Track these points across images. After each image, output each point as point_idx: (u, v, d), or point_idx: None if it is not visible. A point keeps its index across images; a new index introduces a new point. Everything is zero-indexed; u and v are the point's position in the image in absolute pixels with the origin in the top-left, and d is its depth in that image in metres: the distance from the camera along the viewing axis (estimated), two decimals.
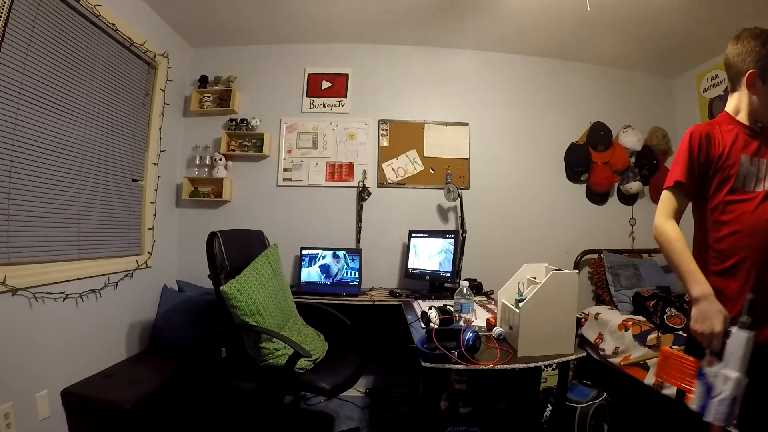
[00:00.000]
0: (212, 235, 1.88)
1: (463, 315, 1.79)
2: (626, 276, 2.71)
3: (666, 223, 1.16)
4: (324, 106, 3.05)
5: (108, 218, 2.24)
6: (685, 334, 2.09)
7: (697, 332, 1.05)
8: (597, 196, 3.12)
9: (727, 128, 1.18)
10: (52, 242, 1.88)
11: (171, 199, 2.91)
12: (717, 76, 2.86)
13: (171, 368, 2.17)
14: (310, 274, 2.80)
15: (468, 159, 3.04)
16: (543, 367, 2.14)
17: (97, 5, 2.01)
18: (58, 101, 1.88)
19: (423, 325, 1.70)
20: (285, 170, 3.00)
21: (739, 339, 0.97)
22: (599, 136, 3.08)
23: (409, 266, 2.83)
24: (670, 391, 1.92)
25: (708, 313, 1.03)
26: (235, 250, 2.00)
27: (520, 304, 1.49)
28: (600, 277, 2.87)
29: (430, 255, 2.74)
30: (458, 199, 2.82)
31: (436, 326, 1.52)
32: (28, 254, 1.75)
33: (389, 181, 3.01)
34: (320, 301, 2.39)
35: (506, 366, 1.38)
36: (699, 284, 1.07)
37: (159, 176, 2.67)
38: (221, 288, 1.77)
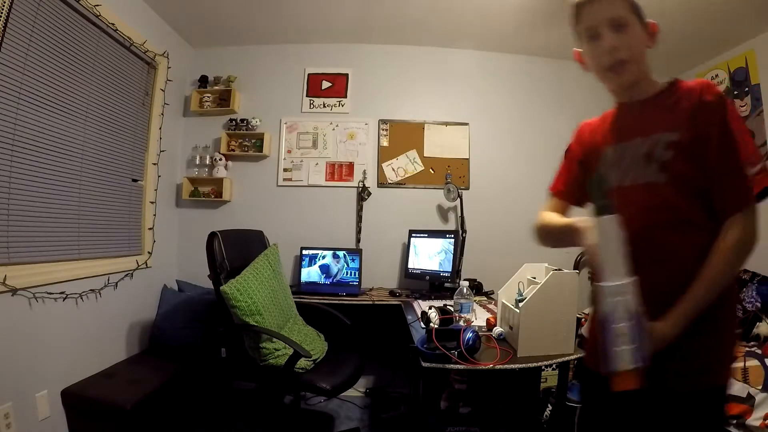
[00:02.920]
0: (212, 235, 1.88)
1: (463, 315, 1.79)
2: None
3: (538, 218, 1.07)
4: (324, 106, 3.05)
5: (108, 218, 2.24)
6: None
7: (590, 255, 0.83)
8: None
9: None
10: (52, 242, 1.88)
11: (171, 199, 2.91)
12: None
13: (171, 368, 2.17)
14: (310, 274, 2.80)
15: (468, 159, 3.04)
16: (543, 367, 2.14)
17: (97, 5, 2.01)
18: (58, 101, 1.88)
19: (423, 325, 1.70)
20: (285, 170, 3.00)
21: (602, 226, 0.75)
22: None
23: (409, 266, 2.83)
24: None
25: (579, 233, 0.85)
26: (235, 250, 2.00)
27: (520, 304, 1.49)
28: None
29: (430, 255, 2.74)
30: (458, 199, 2.82)
31: (436, 326, 1.53)
32: (28, 254, 1.75)
33: (389, 181, 3.01)
34: (320, 301, 2.38)
35: (506, 366, 1.38)
36: (573, 222, 0.90)
37: (159, 176, 2.67)
38: (221, 288, 1.77)
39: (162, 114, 2.66)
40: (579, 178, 1.03)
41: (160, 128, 2.65)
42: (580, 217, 0.88)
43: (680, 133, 0.82)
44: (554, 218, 1.01)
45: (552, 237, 1.04)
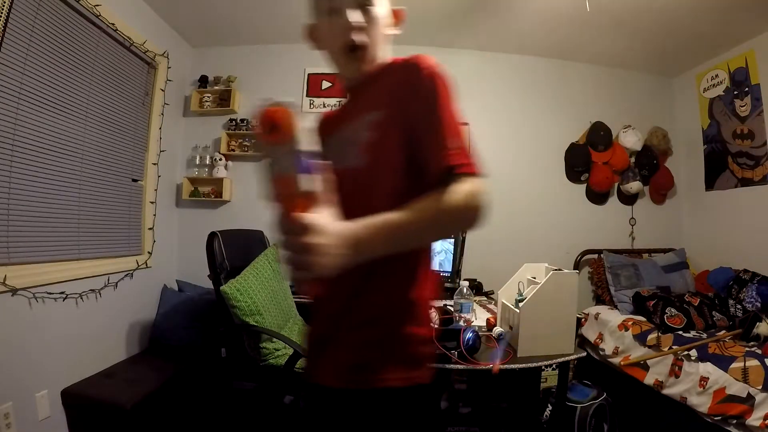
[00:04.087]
0: (212, 235, 1.88)
1: (463, 315, 1.79)
2: (626, 276, 2.71)
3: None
4: (324, 106, 3.05)
5: (108, 218, 2.24)
6: (686, 334, 2.09)
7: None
8: (597, 196, 3.12)
9: None
10: (52, 242, 1.88)
11: (171, 199, 2.91)
12: (717, 76, 2.86)
13: (171, 368, 2.17)
14: None
15: None
16: (543, 367, 2.14)
17: (97, 5, 2.01)
18: (58, 101, 1.88)
19: None
20: None
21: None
22: (599, 136, 3.08)
23: None
24: (671, 390, 1.93)
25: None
26: (235, 250, 2.00)
27: (520, 304, 1.49)
28: (600, 277, 2.87)
29: None
30: None
31: (436, 326, 1.52)
32: (28, 254, 1.75)
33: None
34: None
35: (506, 366, 1.38)
36: None
37: (159, 176, 2.67)
38: (221, 288, 1.77)
39: (162, 114, 2.66)
40: None
41: (160, 128, 2.65)
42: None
43: (384, 112, 0.76)
44: None
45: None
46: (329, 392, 0.75)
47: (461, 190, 0.69)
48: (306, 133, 0.63)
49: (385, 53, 0.84)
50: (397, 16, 0.87)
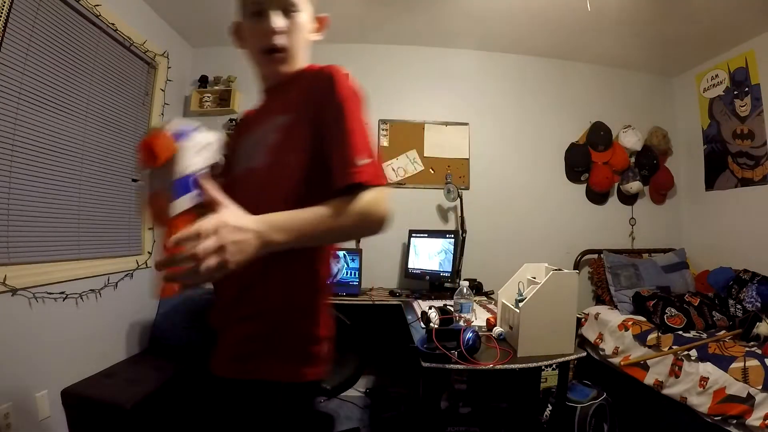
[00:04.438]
0: None
1: (463, 315, 1.79)
2: (626, 276, 2.71)
3: None
4: None
5: (108, 218, 2.24)
6: (686, 335, 2.09)
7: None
8: (597, 196, 3.12)
9: None
10: (52, 242, 1.87)
11: None
12: (717, 76, 2.86)
13: (171, 368, 2.17)
14: None
15: (468, 159, 3.04)
16: (543, 367, 2.14)
17: (97, 5, 2.01)
18: (58, 101, 1.88)
19: (423, 325, 1.70)
20: None
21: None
22: (599, 136, 3.08)
23: (409, 266, 2.83)
24: (671, 390, 1.93)
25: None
26: None
27: (520, 304, 1.49)
28: (600, 277, 2.87)
29: (430, 255, 2.74)
30: (458, 199, 2.82)
31: (436, 326, 1.52)
32: (28, 254, 1.75)
33: (389, 181, 3.01)
34: None
35: (506, 366, 1.38)
36: None
37: None
38: None
39: (162, 114, 2.66)
40: None
41: None
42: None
43: (292, 116, 0.78)
44: None
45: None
46: (219, 381, 0.78)
47: (365, 198, 0.71)
48: (192, 152, 0.67)
49: (304, 58, 0.87)
50: (320, 23, 0.90)
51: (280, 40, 0.80)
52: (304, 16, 0.84)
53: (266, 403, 0.75)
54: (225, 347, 0.78)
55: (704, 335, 2.07)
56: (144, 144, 0.64)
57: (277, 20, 0.79)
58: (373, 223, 0.72)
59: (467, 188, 3.00)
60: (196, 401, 0.79)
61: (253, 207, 0.66)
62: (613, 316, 2.52)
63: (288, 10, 0.81)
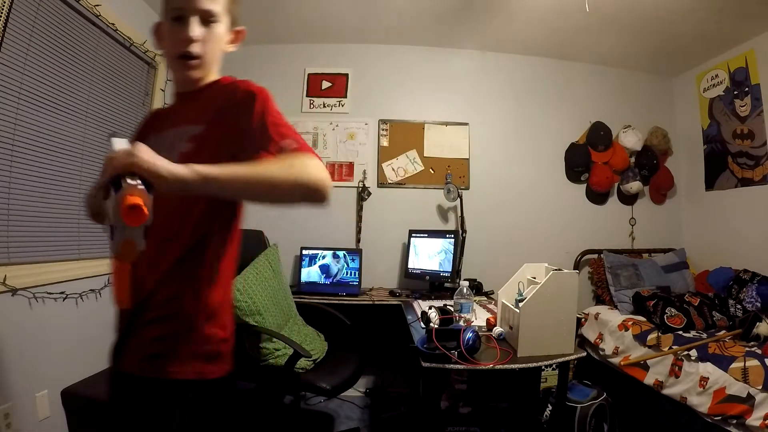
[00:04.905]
0: None
1: (463, 315, 1.79)
2: (626, 276, 2.71)
3: None
4: (324, 106, 3.05)
5: None
6: (686, 334, 2.09)
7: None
8: (597, 196, 3.12)
9: None
10: (52, 242, 1.87)
11: None
12: (717, 76, 2.86)
13: None
14: (310, 274, 2.79)
15: (468, 159, 3.04)
16: (543, 367, 2.14)
17: (97, 5, 2.01)
18: (58, 101, 1.87)
19: (423, 325, 1.70)
20: None
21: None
22: (599, 136, 3.08)
23: (409, 266, 2.83)
24: (671, 390, 1.93)
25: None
26: None
27: (520, 304, 1.49)
28: (600, 277, 2.87)
29: (430, 255, 2.74)
30: (458, 199, 2.82)
31: (436, 326, 1.52)
32: (28, 254, 1.75)
33: (389, 181, 3.01)
34: (320, 301, 2.38)
35: (506, 366, 1.38)
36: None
37: None
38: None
39: None
40: None
41: None
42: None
43: (204, 127, 0.81)
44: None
45: (91, 201, 0.93)
46: (130, 378, 0.80)
47: (302, 158, 0.74)
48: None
49: (217, 67, 0.91)
50: (237, 35, 0.94)
51: (195, 49, 0.83)
52: (222, 27, 0.87)
53: (174, 401, 0.79)
54: (134, 347, 0.81)
55: (704, 335, 2.07)
56: (135, 206, 0.61)
57: (196, 29, 0.82)
58: (310, 183, 0.73)
59: (467, 188, 3.00)
60: (107, 397, 0.84)
61: (160, 211, 0.67)
62: (613, 316, 2.52)
63: (207, 20, 0.84)
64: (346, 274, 2.79)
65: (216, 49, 0.88)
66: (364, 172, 2.99)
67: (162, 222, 0.70)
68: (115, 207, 0.61)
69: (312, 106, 3.05)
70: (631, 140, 3.06)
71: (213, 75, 0.91)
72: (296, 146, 0.76)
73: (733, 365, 1.71)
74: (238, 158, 0.73)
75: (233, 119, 0.80)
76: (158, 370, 0.78)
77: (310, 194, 0.74)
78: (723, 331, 2.07)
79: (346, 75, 3.06)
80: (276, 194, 0.74)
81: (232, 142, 0.79)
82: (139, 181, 0.64)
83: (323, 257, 2.81)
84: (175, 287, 0.80)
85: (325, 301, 2.39)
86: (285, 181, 0.72)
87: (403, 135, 3.04)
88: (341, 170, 3.00)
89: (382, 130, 3.04)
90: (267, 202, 0.76)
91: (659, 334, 2.14)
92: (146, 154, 0.64)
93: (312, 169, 0.74)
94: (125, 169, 0.63)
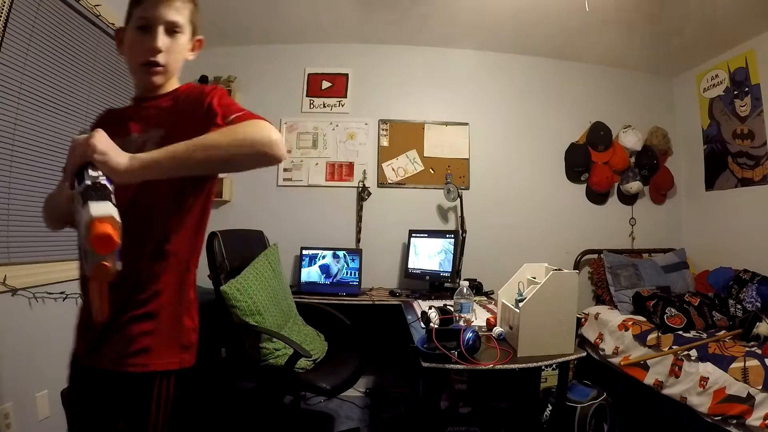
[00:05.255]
0: (212, 235, 1.88)
1: (463, 315, 1.79)
2: (626, 276, 2.71)
3: None
4: (324, 106, 3.05)
5: None
6: (686, 334, 2.09)
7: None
8: (597, 196, 3.12)
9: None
10: (52, 242, 1.87)
11: None
12: (717, 76, 2.86)
13: None
14: (310, 274, 2.79)
15: (468, 159, 3.04)
16: (543, 367, 2.14)
17: (97, 5, 2.01)
18: (58, 101, 1.87)
19: (423, 325, 1.70)
20: (285, 170, 3.00)
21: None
22: (599, 136, 3.08)
23: (409, 266, 2.83)
24: (671, 390, 1.93)
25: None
26: (235, 250, 2.00)
27: (520, 304, 1.49)
28: (600, 277, 2.87)
29: (430, 255, 2.74)
30: (458, 199, 2.82)
31: (436, 326, 1.52)
32: (28, 254, 1.75)
33: (389, 181, 3.01)
34: (320, 301, 2.39)
35: (506, 366, 1.38)
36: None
37: None
38: (221, 288, 1.77)
39: None
40: None
41: None
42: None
43: (168, 130, 0.85)
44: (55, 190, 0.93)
45: (52, 202, 0.93)
46: (107, 375, 0.83)
47: (249, 122, 0.79)
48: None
49: (178, 74, 0.96)
50: (198, 43, 1.01)
51: (161, 58, 0.88)
52: (185, 37, 0.93)
53: (160, 391, 0.85)
54: (115, 345, 0.83)
55: (704, 335, 2.07)
56: (104, 235, 0.60)
57: (161, 39, 0.87)
58: (253, 137, 0.77)
59: (467, 188, 3.00)
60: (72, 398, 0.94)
61: (131, 210, 0.74)
62: (613, 316, 2.52)
63: (172, 30, 0.89)
64: (346, 274, 2.79)
65: (179, 57, 0.93)
66: (364, 172, 2.99)
67: (136, 222, 0.76)
68: (85, 232, 0.60)
69: (312, 106, 3.05)
70: (631, 140, 3.06)
71: (174, 81, 0.96)
72: (241, 114, 0.81)
73: (733, 365, 1.71)
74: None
75: (191, 117, 0.84)
76: (145, 364, 0.82)
77: (258, 152, 0.77)
78: (723, 331, 2.07)
79: (346, 75, 3.06)
80: (223, 158, 0.77)
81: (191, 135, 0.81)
82: (100, 173, 0.66)
83: (323, 257, 2.81)
84: (156, 284, 0.85)
85: (325, 301, 2.39)
86: (230, 144, 0.76)
87: (403, 135, 3.04)
88: (341, 170, 3.00)
89: (382, 130, 3.04)
90: (218, 169, 0.85)
91: (659, 334, 2.14)
92: (102, 143, 0.68)
93: (257, 128, 0.77)
94: (85, 159, 0.67)
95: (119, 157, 0.70)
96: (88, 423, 0.88)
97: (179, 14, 0.89)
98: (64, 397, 1.02)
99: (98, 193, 0.64)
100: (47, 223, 0.97)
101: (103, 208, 0.62)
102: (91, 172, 0.66)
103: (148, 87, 0.92)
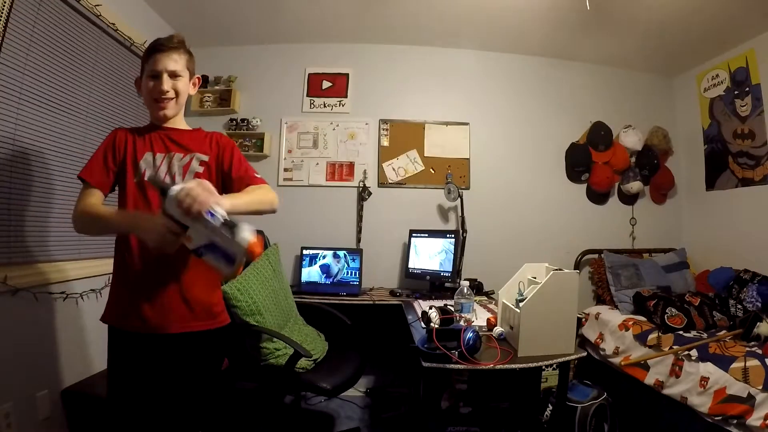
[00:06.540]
0: None
1: (463, 315, 1.79)
2: (627, 276, 2.71)
3: (80, 206, 1.18)
4: (324, 106, 3.05)
5: None
6: (686, 334, 2.09)
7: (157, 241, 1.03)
8: (597, 196, 3.12)
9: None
10: (52, 242, 1.87)
11: None
12: (717, 76, 2.86)
13: None
14: (311, 273, 2.79)
15: (468, 159, 3.04)
16: (543, 367, 2.14)
17: (98, 5, 2.01)
18: (59, 101, 1.88)
19: (423, 325, 1.70)
20: (285, 170, 3.00)
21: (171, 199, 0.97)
22: (600, 135, 3.08)
23: (409, 266, 2.83)
24: (671, 390, 1.93)
25: (150, 221, 1.05)
26: None
27: (521, 304, 1.49)
28: (600, 277, 2.87)
29: (430, 255, 2.74)
30: (459, 199, 2.82)
31: (436, 326, 1.52)
32: (28, 254, 1.75)
33: (390, 181, 3.01)
34: (321, 301, 2.38)
35: (507, 366, 1.38)
36: (128, 217, 1.16)
37: None
38: (221, 288, 1.77)
39: None
40: (113, 173, 1.26)
41: None
42: (131, 212, 1.18)
43: (210, 157, 1.28)
44: (102, 209, 1.17)
45: (99, 225, 1.21)
46: (175, 338, 1.18)
47: (264, 187, 1.28)
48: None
49: (183, 106, 1.32)
50: (197, 80, 1.35)
51: (168, 95, 1.24)
52: (185, 79, 1.27)
53: (221, 341, 1.32)
54: (186, 309, 1.20)
55: (705, 335, 2.07)
56: (258, 251, 1.01)
57: (167, 84, 1.23)
58: (271, 200, 1.25)
59: (468, 188, 3.00)
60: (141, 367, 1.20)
61: None
62: (613, 316, 2.52)
63: (174, 76, 1.24)
64: (347, 273, 2.79)
65: (182, 96, 1.28)
66: (365, 172, 2.99)
67: None
68: (244, 250, 0.96)
69: (312, 106, 3.05)
70: (631, 140, 3.06)
71: (181, 114, 1.32)
72: (260, 178, 1.30)
73: (734, 365, 1.71)
74: (224, 182, 1.29)
75: (221, 157, 1.30)
76: (221, 321, 1.29)
77: (271, 208, 1.25)
78: (723, 331, 2.07)
79: (347, 75, 3.06)
80: (257, 209, 1.20)
81: (221, 171, 1.29)
82: (219, 209, 0.98)
83: (324, 257, 2.81)
84: (201, 268, 1.17)
85: (325, 301, 2.39)
86: (262, 201, 1.22)
87: (403, 135, 3.04)
88: (342, 170, 3.00)
89: (383, 129, 3.04)
90: (253, 213, 1.19)
91: (660, 334, 2.14)
92: (216, 194, 1.04)
93: (272, 193, 1.27)
94: (209, 204, 0.96)
95: (222, 199, 1.03)
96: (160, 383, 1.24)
97: (177, 64, 1.24)
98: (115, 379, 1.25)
99: (233, 224, 0.97)
100: (83, 233, 1.24)
101: (250, 233, 0.96)
102: (218, 210, 0.97)
103: (160, 117, 1.27)
